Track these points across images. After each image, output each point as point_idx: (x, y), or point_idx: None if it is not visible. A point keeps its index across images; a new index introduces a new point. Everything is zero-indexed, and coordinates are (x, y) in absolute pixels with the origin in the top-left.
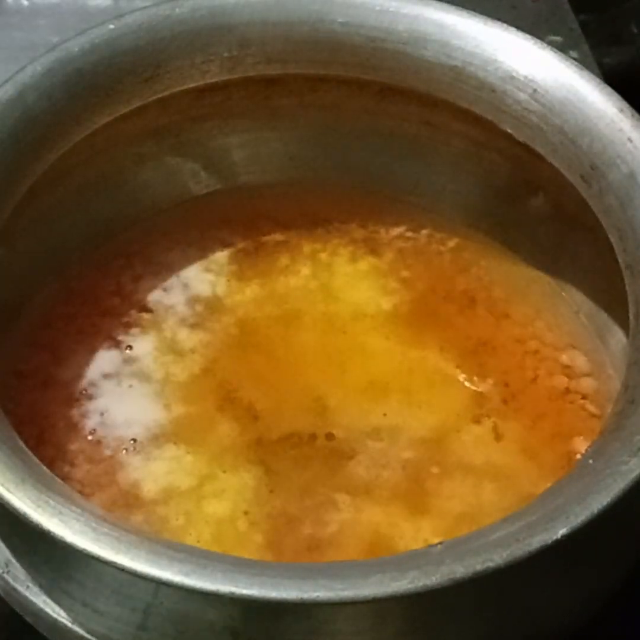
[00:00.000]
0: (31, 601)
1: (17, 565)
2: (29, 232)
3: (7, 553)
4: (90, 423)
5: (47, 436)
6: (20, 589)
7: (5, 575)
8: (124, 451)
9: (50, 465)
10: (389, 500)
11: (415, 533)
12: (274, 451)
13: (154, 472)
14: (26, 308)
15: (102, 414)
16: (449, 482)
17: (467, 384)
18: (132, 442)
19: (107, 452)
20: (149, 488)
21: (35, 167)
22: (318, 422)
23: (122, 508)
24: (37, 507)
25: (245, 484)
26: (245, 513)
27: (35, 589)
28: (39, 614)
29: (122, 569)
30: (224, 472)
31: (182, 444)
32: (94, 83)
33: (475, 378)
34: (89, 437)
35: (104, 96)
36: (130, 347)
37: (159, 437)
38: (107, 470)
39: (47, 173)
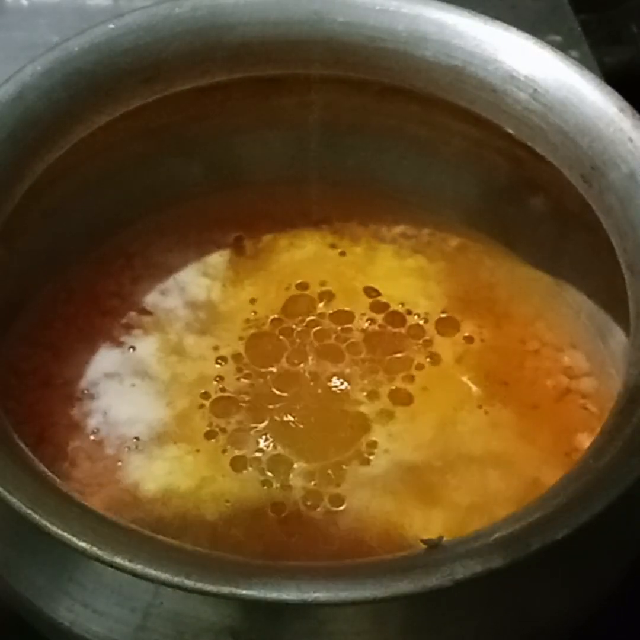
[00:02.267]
0: (31, 601)
1: (17, 565)
2: (29, 232)
3: (7, 553)
4: (93, 422)
5: (48, 435)
6: (20, 589)
7: (5, 575)
8: (126, 450)
9: (51, 464)
10: (397, 496)
11: (425, 529)
12: (277, 454)
13: (154, 472)
14: (26, 308)
15: (104, 413)
16: (453, 480)
17: (467, 383)
18: (134, 440)
19: (109, 451)
20: (149, 488)
21: (35, 167)
22: (323, 414)
23: (121, 507)
24: (37, 507)
25: (245, 487)
26: (245, 516)
27: (35, 589)
28: (39, 614)
29: (122, 569)
30: (223, 476)
31: (184, 444)
32: (94, 83)
33: (475, 378)
34: (92, 436)
35: (104, 96)
36: (133, 347)
37: (161, 437)
38: (108, 469)
39: (47, 173)
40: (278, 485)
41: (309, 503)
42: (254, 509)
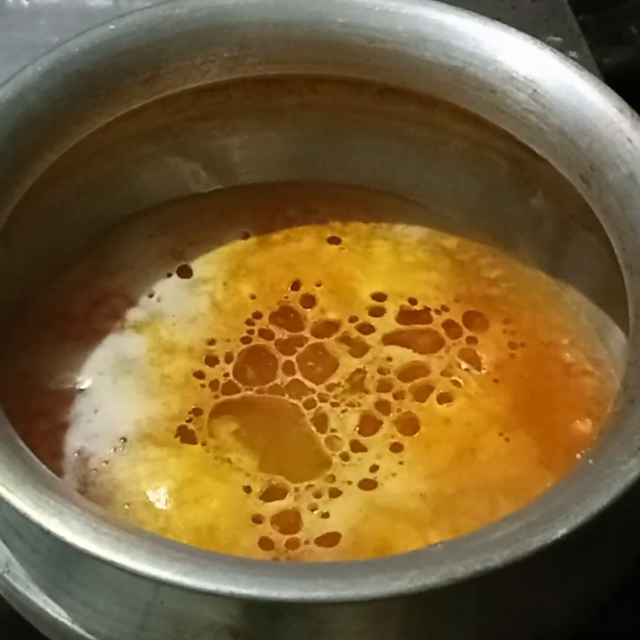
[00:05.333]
0: (31, 601)
1: (17, 565)
2: (29, 232)
3: (7, 553)
4: (83, 420)
5: (46, 435)
6: (20, 588)
7: (5, 575)
8: (112, 450)
9: (49, 464)
10: (397, 518)
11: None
12: (269, 458)
13: (138, 473)
14: (26, 308)
15: (95, 411)
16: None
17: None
18: (122, 441)
19: (98, 451)
20: (131, 489)
21: (35, 167)
22: (317, 426)
23: (104, 508)
24: (37, 507)
25: (230, 490)
26: (227, 520)
27: (35, 589)
28: (39, 613)
29: (123, 569)
30: (209, 476)
31: (169, 446)
32: (94, 83)
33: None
34: (82, 437)
35: (104, 96)
36: (130, 347)
37: (148, 438)
38: (96, 469)
39: (47, 173)
40: (261, 491)
41: (291, 512)
42: (236, 514)
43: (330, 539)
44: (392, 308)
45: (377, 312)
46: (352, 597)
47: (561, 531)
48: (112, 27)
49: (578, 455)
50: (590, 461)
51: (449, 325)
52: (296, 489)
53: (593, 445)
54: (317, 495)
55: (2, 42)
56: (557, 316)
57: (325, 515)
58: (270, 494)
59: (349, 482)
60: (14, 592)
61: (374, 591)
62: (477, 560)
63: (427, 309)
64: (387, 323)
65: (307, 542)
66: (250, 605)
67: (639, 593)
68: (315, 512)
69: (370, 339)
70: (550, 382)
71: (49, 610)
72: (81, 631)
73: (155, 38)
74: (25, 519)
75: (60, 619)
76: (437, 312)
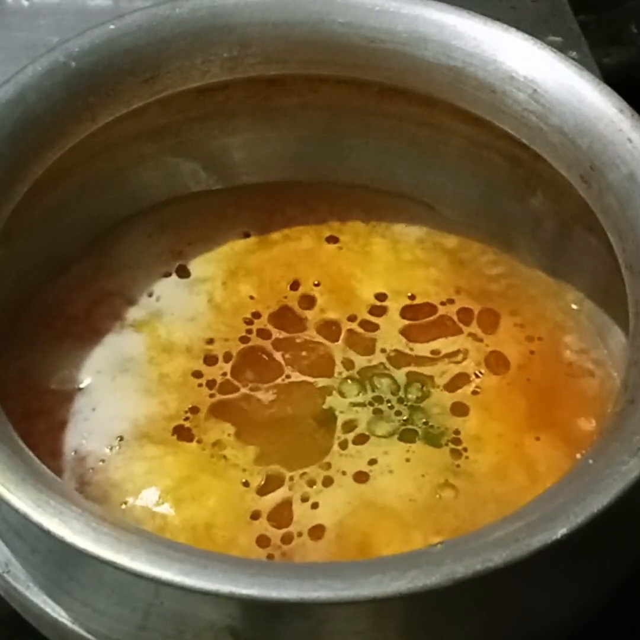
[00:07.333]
0: (31, 601)
1: (17, 565)
2: (29, 232)
3: (7, 553)
4: (81, 419)
5: (46, 434)
6: (21, 589)
7: (5, 575)
8: (109, 449)
9: (49, 463)
10: (385, 510)
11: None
12: (267, 454)
13: (134, 472)
14: (26, 308)
15: (93, 410)
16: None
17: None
18: (118, 439)
19: (94, 449)
20: (128, 488)
21: (35, 167)
22: (317, 427)
23: (100, 507)
24: (37, 507)
25: (228, 487)
26: (224, 518)
27: (35, 589)
28: (39, 614)
29: (123, 569)
30: (206, 473)
31: (166, 445)
32: (94, 83)
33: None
34: (79, 435)
35: (104, 96)
36: (128, 346)
37: (145, 436)
38: (92, 467)
39: (47, 173)
40: (259, 485)
41: (288, 506)
42: (234, 511)
43: (318, 532)
44: (394, 306)
45: (378, 311)
46: (352, 597)
47: (561, 531)
48: (112, 27)
49: (578, 455)
50: (590, 461)
51: (448, 320)
52: (291, 478)
53: (593, 446)
54: (311, 483)
55: (2, 42)
56: (556, 316)
57: (315, 505)
58: (268, 486)
59: (344, 473)
60: (14, 592)
61: (374, 591)
62: (477, 560)
63: (429, 304)
64: (392, 320)
65: (300, 534)
66: (250, 605)
67: (639, 593)
68: (307, 502)
69: (374, 337)
70: (550, 383)
71: (49, 610)
72: (81, 631)
73: (155, 38)
74: (25, 519)
75: (60, 619)
76: (443, 303)
